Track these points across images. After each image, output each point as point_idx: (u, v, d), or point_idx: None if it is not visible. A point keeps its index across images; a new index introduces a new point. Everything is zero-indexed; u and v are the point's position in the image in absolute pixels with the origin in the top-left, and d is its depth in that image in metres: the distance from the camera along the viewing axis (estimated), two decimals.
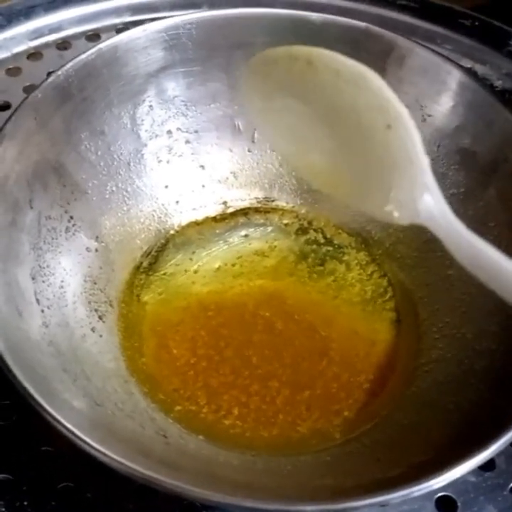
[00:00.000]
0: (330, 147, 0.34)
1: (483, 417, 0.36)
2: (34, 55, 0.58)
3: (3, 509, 0.37)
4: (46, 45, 0.58)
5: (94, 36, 0.59)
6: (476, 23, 0.59)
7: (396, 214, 0.32)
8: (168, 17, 0.45)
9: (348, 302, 0.46)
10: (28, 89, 0.54)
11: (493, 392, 0.37)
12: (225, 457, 0.37)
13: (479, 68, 0.57)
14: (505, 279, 0.30)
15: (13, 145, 0.39)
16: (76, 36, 0.59)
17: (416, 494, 0.31)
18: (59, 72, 0.41)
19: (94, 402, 0.35)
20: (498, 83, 0.57)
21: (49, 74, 0.42)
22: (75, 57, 0.42)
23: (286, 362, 0.43)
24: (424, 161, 0.31)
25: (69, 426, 0.30)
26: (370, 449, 0.38)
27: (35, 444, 0.39)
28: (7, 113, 0.51)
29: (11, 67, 0.57)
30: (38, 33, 0.58)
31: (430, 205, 0.32)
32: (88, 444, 0.30)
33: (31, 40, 0.58)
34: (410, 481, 0.31)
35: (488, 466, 0.40)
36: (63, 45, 0.59)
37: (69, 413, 0.32)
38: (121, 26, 0.60)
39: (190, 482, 0.30)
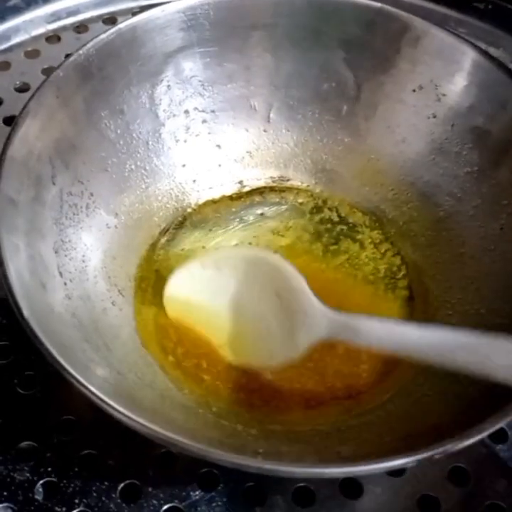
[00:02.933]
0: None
1: (497, 390, 0.36)
2: (52, 37, 0.59)
3: (28, 474, 0.38)
4: (64, 28, 0.60)
5: (110, 19, 0.60)
6: (490, 7, 0.60)
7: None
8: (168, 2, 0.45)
9: (362, 280, 0.46)
10: (47, 71, 0.55)
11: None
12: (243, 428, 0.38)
13: (493, 51, 0.57)
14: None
15: (36, 122, 0.40)
16: (93, 20, 0.60)
17: (432, 455, 0.31)
18: (80, 52, 0.42)
19: (116, 371, 0.37)
20: None
21: (67, 56, 0.42)
22: (95, 37, 0.43)
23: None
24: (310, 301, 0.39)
25: (95, 391, 0.31)
26: (384, 419, 0.39)
27: (57, 413, 0.40)
28: (26, 94, 0.53)
29: (29, 49, 0.58)
30: (55, 16, 0.59)
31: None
32: (114, 408, 0.30)
33: (49, 23, 0.59)
34: (424, 447, 0.31)
35: (501, 438, 0.41)
36: (80, 28, 0.60)
37: (94, 379, 0.33)
38: (137, 10, 0.61)
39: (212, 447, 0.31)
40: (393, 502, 0.39)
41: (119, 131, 0.45)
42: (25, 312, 0.33)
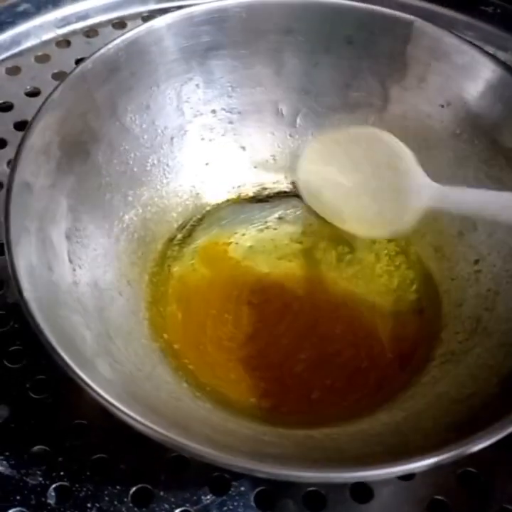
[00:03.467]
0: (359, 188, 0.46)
1: (492, 411, 0.36)
2: (62, 42, 0.60)
3: (40, 479, 0.39)
4: (74, 32, 0.60)
5: (120, 24, 0.61)
6: (498, 11, 0.59)
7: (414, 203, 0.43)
8: (194, 5, 0.46)
9: (373, 291, 0.46)
10: (57, 76, 0.56)
11: (506, 387, 0.37)
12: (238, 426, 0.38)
13: (501, 55, 0.57)
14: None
15: (60, 112, 0.41)
16: (102, 24, 0.61)
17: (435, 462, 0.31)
18: (109, 46, 0.43)
19: (114, 360, 0.37)
20: None
21: (78, 61, 0.43)
22: (126, 32, 0.44)
23: (308, 344, 0.44)
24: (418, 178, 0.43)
25: (83, 376, 0.32)
26: (378, 431, 0.38)
27: (69, 417, 0.41)
28: (36, 99, 0.54)
29: (39, 54, 0.59)
30: (65, 21, 0.60)
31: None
32: (104, 398, 0.31)
33: (59, 27, 0.60)
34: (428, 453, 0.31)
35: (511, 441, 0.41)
36: (90, 32, 0.60)
37: (89, 367, 0.33)
38: (146, 14, 0.61)
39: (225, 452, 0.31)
40: (403, 506, 0.39)
41: (144, 126, 0.46)
42: (26, 293, 0.33)
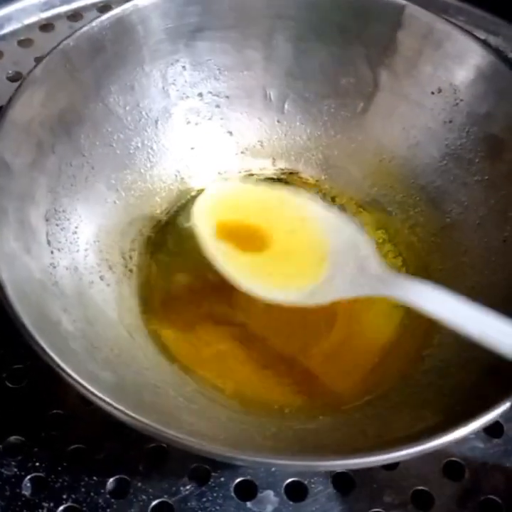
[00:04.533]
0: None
1: (476, 401, 0.35)
2: (46, 26, 0.58)
3: (16, 469, 0.38)
4: (58, 16, 0.59)
5: (105, 7, 0.59)
6: None
7: None
8: None
9: None
10: (40, 61, 0.54)
11: (488, 378, 0.36)
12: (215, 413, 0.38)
13: (492, 39, 0.56)
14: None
15: (41, 89, 0.40)
16: (87, 8, 0.59)
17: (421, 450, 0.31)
18: (93, 24, 0.42)
19: (91, 344, 0.36)
20: None
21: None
22: (111, 11, 0.42)
23: (292, 334, 0.43)
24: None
25: (57, 360, 0.31)
26: (363, 421, 0.38)
27: (46, 407, 0.40)
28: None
29: (22, 38, 0.57)
30: (49, 5, 0.59)
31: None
32: (74, 379, 0.30)
33: (43, 11, 0.59)
34: (414, 442, 0.31)
35: (496, 432, 0.41)
36: (74, 16, 0.59)
37: (64, 351, 0.33)
38: None
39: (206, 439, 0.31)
40: (386, 496, 0.38)
41: (128, 108, 0.45)
42: (2, 275, 0.33)
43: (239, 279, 0.40)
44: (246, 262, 0.40)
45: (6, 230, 0.35)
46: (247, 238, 0.41)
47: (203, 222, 0.41)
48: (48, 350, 0.31)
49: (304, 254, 0.41)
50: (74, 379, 0.31)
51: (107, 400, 0.30)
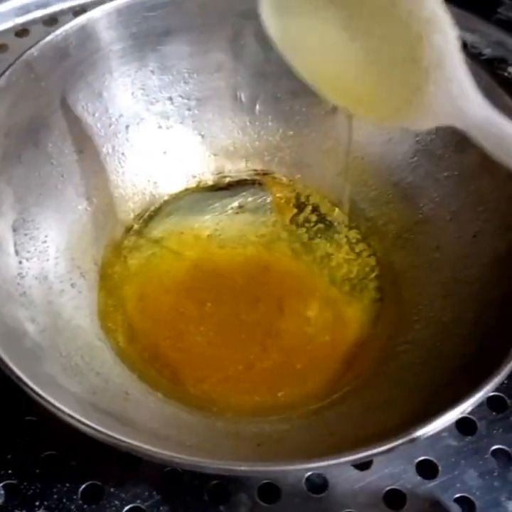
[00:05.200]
0: (356, 52, 0.32)
1: (446, 398, 0.35)
2: (21, 31, 0.58)
3: None
4: (33, 21, 0.58)
5: (81, 12, 0.57)
6: None
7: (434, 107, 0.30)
8: None
9: (333, 278, 0.46)
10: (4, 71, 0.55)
11: (460, 375, 0.37)
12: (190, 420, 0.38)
13: (468, 37, 0.56)
14: None
15: (6, 99, 0.40)
16: (63, 12, 0.59)
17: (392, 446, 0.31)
18: (57, 32, 0.42)
19: (59, 353, 0.37)
20: (487, 51, 0.56)
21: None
22: (75, 19, 0.43)
23: (265, 332, 0.43)
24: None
25: (20, 375, 0.31)
26: (333, 419, 0.38)
27: (19, 414, 0.40)
28: None
29: None
30: (24, 10, 0.58)
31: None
32: (30, 387, 0.30)
33: (18, 16, 0.58)
34: (385, 439, 0.31)
35: (469, 430, 0.41)
36: (50, 21, 0.59)
37: (29, 364, 0.33)
38: (108, 1, 0.59)
39: (179, 450, 0.31)
40: (359, 496, 0.38)
41: (97, 114, 0.45)
42: None
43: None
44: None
45: None
46: None
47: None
48: (13, 368, 0.31)
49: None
50: (40, 396, 0.31)
51: (73, 415, 0.31)
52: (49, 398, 0.30)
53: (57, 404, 0.30)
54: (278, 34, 0.35)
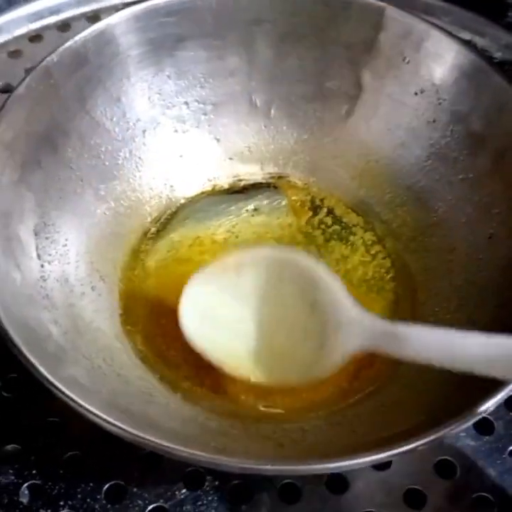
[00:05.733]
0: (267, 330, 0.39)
1: (465, 398, 0.36)
2: (35, 37, 0.59)
3: (13, 477, 0.39)
4: (47, 27, 0.59)
5: (94, 17, 0.60)
6: None
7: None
8: None
9: (349, 281, 0.46)
10: (29, 72, 0.55)
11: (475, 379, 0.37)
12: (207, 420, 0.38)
13: (478, 40, 0.57)
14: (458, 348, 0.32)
15: (26, 105, 0.40)
16: (76, 18, 0.60)
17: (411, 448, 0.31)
18: (76, 38, 0.42)
19: (82, 355, 0.37)
20: (498, 55, 0.56)
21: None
22: (94, 25, 0.43)
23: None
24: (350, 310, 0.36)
25: (45, 374, 0.32)
26: (350, 421, 0.38)
27: (42, 415, 0.40)
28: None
29: (12, 49, 0.58)
30: (38, 16, 0.59)
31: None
32: (55, 386, 0.31)
33: (31, 22, 0.59)
34: (402, 441, 0.31)
35: (486, 430, 0.41)
36: (63, 27, 0.59)
37: (54, 365, 0.33)
38: (121, 7, 0.59)
39: (201, 449, 0.31)
40: (379, 496, 0.39)
41: (114, 119, 0.46)
42: None
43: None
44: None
45: None
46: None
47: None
48: (38, 366, 0.31)
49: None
50: (64, 394, 0.31)
51: (96, 412, 0.31)
52: (76, 398, 0.31)
53: (84, 404, 0.31)
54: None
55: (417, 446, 0.31)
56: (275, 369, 0.39)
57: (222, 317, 0.40)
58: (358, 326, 0.35)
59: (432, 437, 0.31)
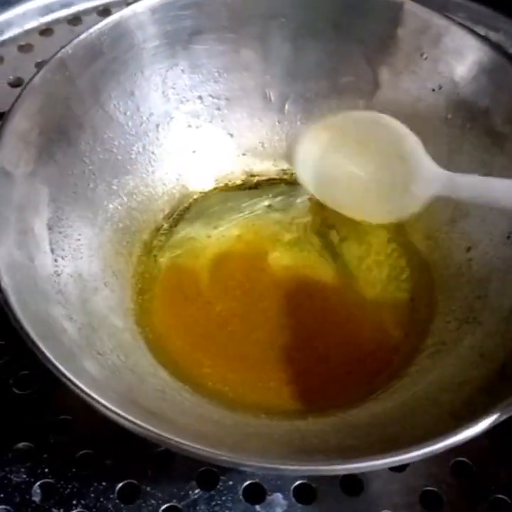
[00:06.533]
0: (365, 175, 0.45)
1: (482, 400, 0.35)
2: (45, 31, 0.58)
3: (25, 476, 0.38)
4: (57, 21, 0.59)
5: (105, 11, 0.59)
6: None
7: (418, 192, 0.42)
8: None
9: (365, 279, 0.45)
10: (41, 66, 0.54)
11: (497, 377, 0.36)
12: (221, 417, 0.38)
13: (492, 35, 0.56)
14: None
15: (40, 97, 0.40)
16: (87, 12, 0.59)
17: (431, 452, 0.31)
18: (91, 31, 0.42)
19: (97, 352, 0.36)
20: None
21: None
22: (109, 17, 0.42)
23: (294, 334, 0.43)
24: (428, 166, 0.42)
25: (63, 370, 0.31)
26: (367, 422, 0.38)
27: (54, 413, 0.40)
28: (20, 89, 0.52)
29: (22, 43, 0.57)
30: (48, 9, 0.59)
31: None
32: (71, 381, 0.30)
33: (42, 16, 0.59)
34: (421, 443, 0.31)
35: (503, 431, 0.40)
36: (74, 20, 0.59)
37: (69, 360, 0.33)
38: (131, 1, 0.59)
39: (213, 445, 0.31)
40: (395, 498, 0.38)
41: (128, 113, 0.45)
42: (5, 285, 0.33)
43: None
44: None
45: (8, 240, 0.35)
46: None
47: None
48: (53, 360, 0.31)
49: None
50: (81, 389, 0.31)
51: (113, 408, 0.30)
52: (92, 393, 0.30)
53: (100, 399, 0.30)
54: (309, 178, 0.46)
55: (442, 448, 0.30)
56: (371, 209, 0.45)
57: (329, 167, 0.45)
58: (437, 177, 0.41)
59: (455, 439, 0.31)
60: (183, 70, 0.47)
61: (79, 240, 0.41)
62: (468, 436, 0.31)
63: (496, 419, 0.32)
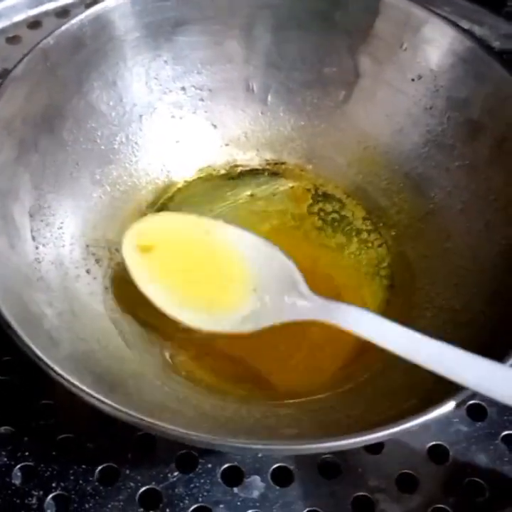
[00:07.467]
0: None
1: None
2: (34, 23, 0.59)
3: (6, 459, 0.39)
4: (45, 13, 0.59)
5: (93, 3, 0.58)
6: None
7: None
8: None
9: (346, 265, 0.46)
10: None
11: None
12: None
13: (477, 30, 0.57)
14: None
15: (23, 87, 0.40)
16: (75, 4, 0.60)
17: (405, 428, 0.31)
18: (73, 22, 0.42)
19: (77, 336, 0.37)
20: (496, 44, 0.57)
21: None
22: (91, 8, 0.43)
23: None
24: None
25: (40, 354, 0.32)
26: (344, 405, 0.38)
27: (35, 398, 0.41)
28: None
29: (11, 35, 0.58)
30: (37, 2, 0.59)
31: None
32: (48, 365, 0.31)
33: (31, 8, 0.59)
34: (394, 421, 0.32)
35: (480, 416, 0.41)
36: (62, 13, 0.59)
37: (48, 346, 0.33)
38: None
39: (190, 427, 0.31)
40: (372, 480, 0.39)
41: (111, 103, 0.46)
42: None
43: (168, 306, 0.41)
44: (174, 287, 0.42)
45: None
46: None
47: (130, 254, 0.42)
48: (31, 346, 0.31)
49: (230, 281, 0.42)
50: (59, 375, 0.31)
51: (92, 393, 0.31)
52: (70, 379, 0.31)
53: (78, 384, 0.31)
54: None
55: (407, 428, 0.31)
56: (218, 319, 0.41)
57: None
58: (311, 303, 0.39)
59: (420, 419, 0.31)
60: (166, 61, 0.47)
61: (61, 228, 0.42)
62: (438, 415, 0.32)
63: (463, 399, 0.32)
